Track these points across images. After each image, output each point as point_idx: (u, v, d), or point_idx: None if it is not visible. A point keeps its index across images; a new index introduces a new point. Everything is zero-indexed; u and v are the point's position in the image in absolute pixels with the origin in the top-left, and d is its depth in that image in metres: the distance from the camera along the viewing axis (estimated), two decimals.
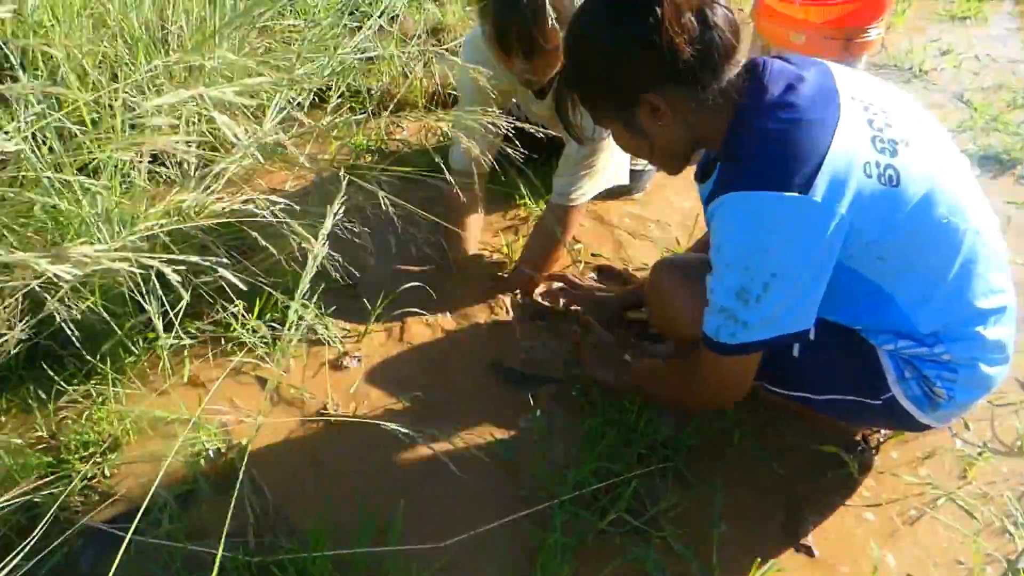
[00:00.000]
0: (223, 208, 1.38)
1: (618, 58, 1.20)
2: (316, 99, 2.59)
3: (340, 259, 1.55)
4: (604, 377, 1.68)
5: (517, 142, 1.76)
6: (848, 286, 1.28)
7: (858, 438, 1.62)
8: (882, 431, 1.62)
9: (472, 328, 1.88)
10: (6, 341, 1.23)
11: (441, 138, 2.55)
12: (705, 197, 1.31)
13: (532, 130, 1.90)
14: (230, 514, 1.39)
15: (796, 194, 1.14)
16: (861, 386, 1.39)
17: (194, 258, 1.30)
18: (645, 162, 2.23)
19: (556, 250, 1.99)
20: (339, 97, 2.55)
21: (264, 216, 1.44)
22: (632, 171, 2.24)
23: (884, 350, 1.35)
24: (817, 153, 1.16)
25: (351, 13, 2.84)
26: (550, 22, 1.53)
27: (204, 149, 1.71)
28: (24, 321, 1.24)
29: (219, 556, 1.08)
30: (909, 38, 3.31)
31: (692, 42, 1.16)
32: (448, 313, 1.91)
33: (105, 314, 1.55)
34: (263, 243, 1.55)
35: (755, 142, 1.19)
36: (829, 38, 2.60)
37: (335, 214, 1.27)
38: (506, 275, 2.01)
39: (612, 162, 1.98)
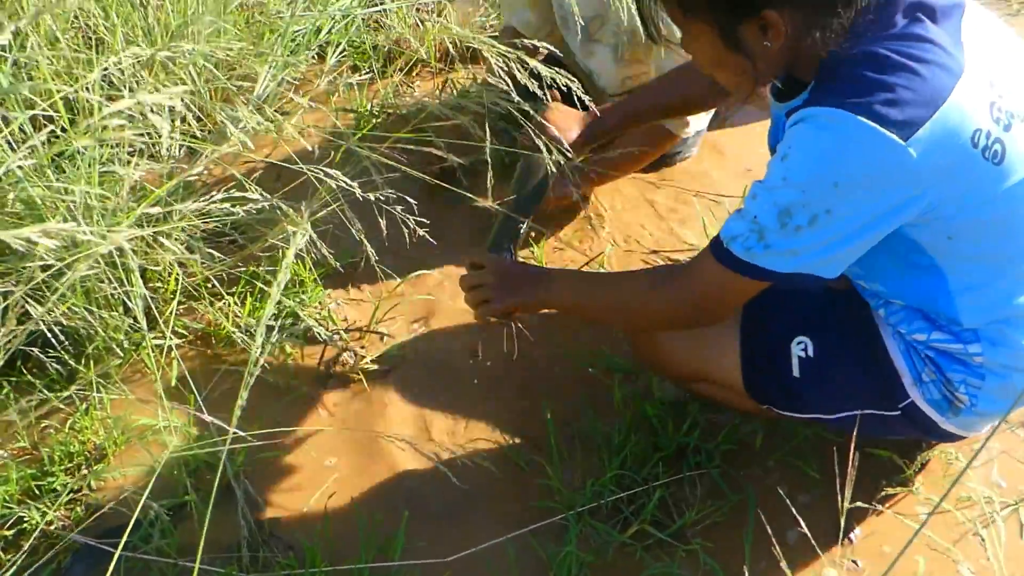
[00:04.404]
0: (206, 202, 1.55)
1: None
2: (315, 56, 2.75)
3: (336, 244, 1.70)
4: (523, 297, 1.61)
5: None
6: (903, 256, 1.35)
7: None
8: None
9: (479, 330, 2.04)
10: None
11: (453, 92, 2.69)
12: (783, 113, 1.36)
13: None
14: (223, 528, 1.59)
15: (895, 138, 1.16)
16: (875, 397, 1.50)
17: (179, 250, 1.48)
18: (692, 128, 2.37)
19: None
20: (340, 54, 2.71)
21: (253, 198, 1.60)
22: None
23: (909, 341, 1.46)
24: (935, 100, 1.17)
25: None
26: None
27: (186, 138, 1.88)
28: (5, 327, 1.43)
29: (212, 572, 1.26)
30: None
31: None
32: (453, 311, 2.08)
33: (88, 316, 1.74)
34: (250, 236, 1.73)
35: (868, 65, 1.20)
36: None
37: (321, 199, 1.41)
38: None
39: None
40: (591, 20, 2.08)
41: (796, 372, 1.53)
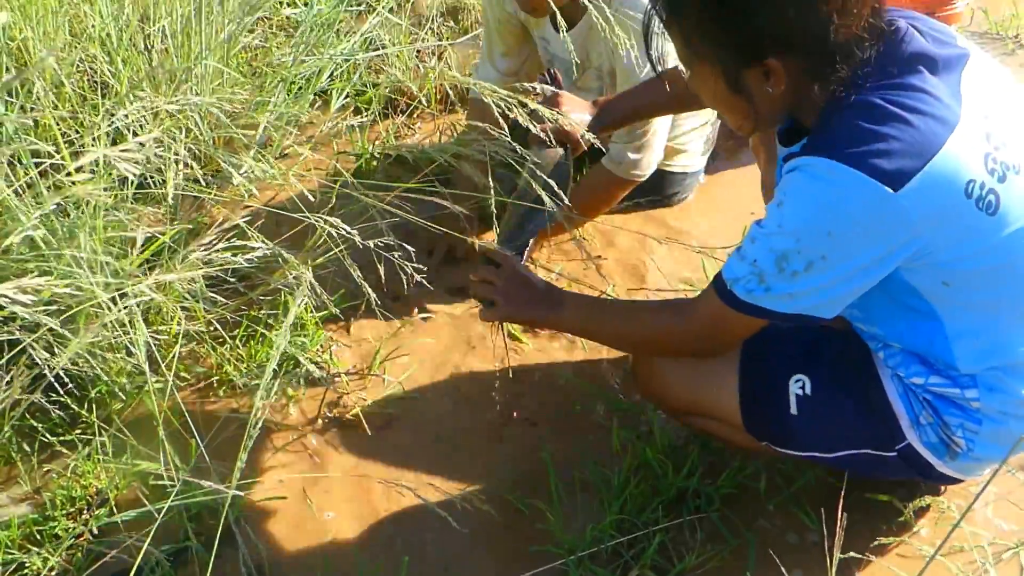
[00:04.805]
0: (209, 252, 1.58)
1: (766, 8, 1.25)
2: (317, 99, 2.79)
3: (337, 287, 1.73)
4: (532, 316, 1.68)
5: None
6: (900, 299, 1.39)
7: None
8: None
9: (479, 374, 2.08)
10: (6, 397, 1.45)
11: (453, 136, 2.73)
12: (783, 156, 1.42)
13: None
14: (225, 574, 1.61)
15: (887, 188, 1.20)
16: (873, 437, 1.52)
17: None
18: (688, 165, 2.41)
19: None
20: (343, 97, 2.76)
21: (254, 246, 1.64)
22: (672, 174, 2.42)
23: (907, 384, 1.48)
24: (927, 151, 1.21)
25: None
26: None
27: (189, 182, 1.92)
28: (17, 377, 1.46)
29: None
30: (1014, 0, 3.40)
31: (857, 30, 1.25)
32: (453, 355, 2.12)
33: (91, 360, 1.77)
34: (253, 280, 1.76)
35: (862, 114, 1.25)
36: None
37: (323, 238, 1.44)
38: None
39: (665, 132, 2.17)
40: (585, 59, 2.14)
41: (794, 410, 1.55)
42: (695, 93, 1.45)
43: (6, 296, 1.32)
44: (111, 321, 1.67)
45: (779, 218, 1.31)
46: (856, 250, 1.27)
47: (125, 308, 1.42)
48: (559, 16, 1.83)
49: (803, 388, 1.55)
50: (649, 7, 1.40)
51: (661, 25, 1.38)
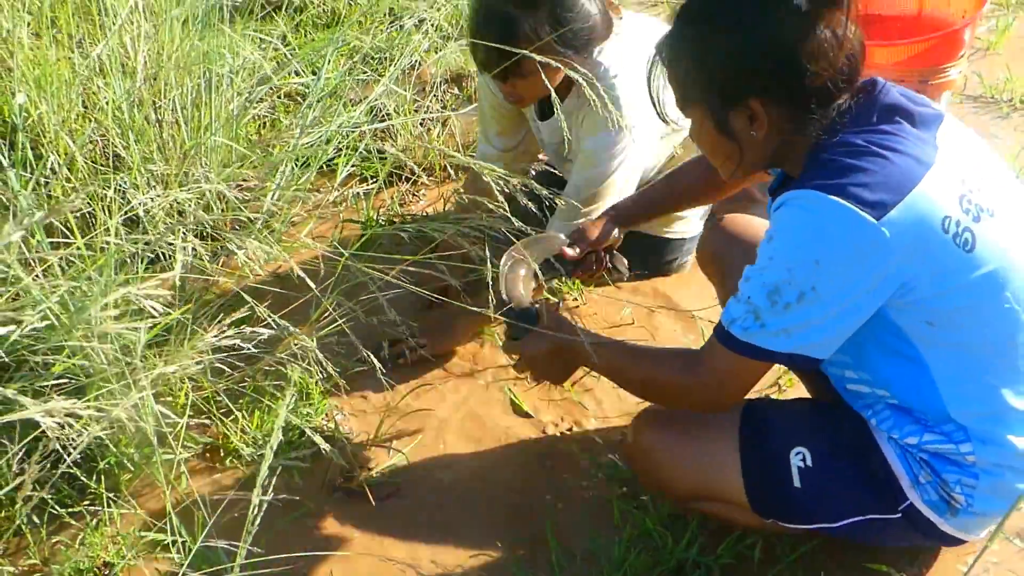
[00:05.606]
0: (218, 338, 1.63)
1: (745, 54, 1.37)
2: (323, 167, 2.86)
3: (340, 356, 1.77)
4: (554, 380, 1.86)
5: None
6: (887, 343, 1.45)
7: None
8: None
9: (481, 443, 2.12)
10: (23, 483, 1.49)
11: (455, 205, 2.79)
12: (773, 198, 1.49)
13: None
14: None
15: (868, 217, 1.29)
16: (875, 501, 1.55)
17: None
18: (686, 231, 2.46)
19: None
20: (348, 165, 2.82)
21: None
22: (670, 240, 2.47)
23: (903, 445, 1.52)
24: (905, 186, 1.31)
25: (364, 61, 3.14)
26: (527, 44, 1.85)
27: (196, 258, 1.98)
28: (36, 460, 1.51)
29: None
30: (1008, 65, 3.46)
31: (830, 76, 1.36)
32: (456, 425, 2.16)
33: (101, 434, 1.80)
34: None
35: (843, 152, 1.35)
36: (900, 80, 2.79)
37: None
38: None
39: None
40: (559, 144, 2.23)
41: (797, 483, 1.58)
42: (695, 141, 1.55)
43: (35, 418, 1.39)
44: (120, 396, 1.72)
45: (769, 251, 1.39)
46: (844, 281, 1.34)
47: (139, 397, 1.47)
48: (552, 102, 1.89)
49: (804, 460, 1.58)
50: (653, 55, 1.52)
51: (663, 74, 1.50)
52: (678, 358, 1.65)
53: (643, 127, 2.08)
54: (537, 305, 1.79)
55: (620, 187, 2.14)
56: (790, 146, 1.44)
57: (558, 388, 2.18)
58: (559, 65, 1.89)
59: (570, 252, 1.88)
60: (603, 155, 2.09)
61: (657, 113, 1.59)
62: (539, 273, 1.83)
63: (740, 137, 1.44)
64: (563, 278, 1.97)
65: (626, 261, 2.00)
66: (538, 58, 1.82)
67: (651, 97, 1.55)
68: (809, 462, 1.57)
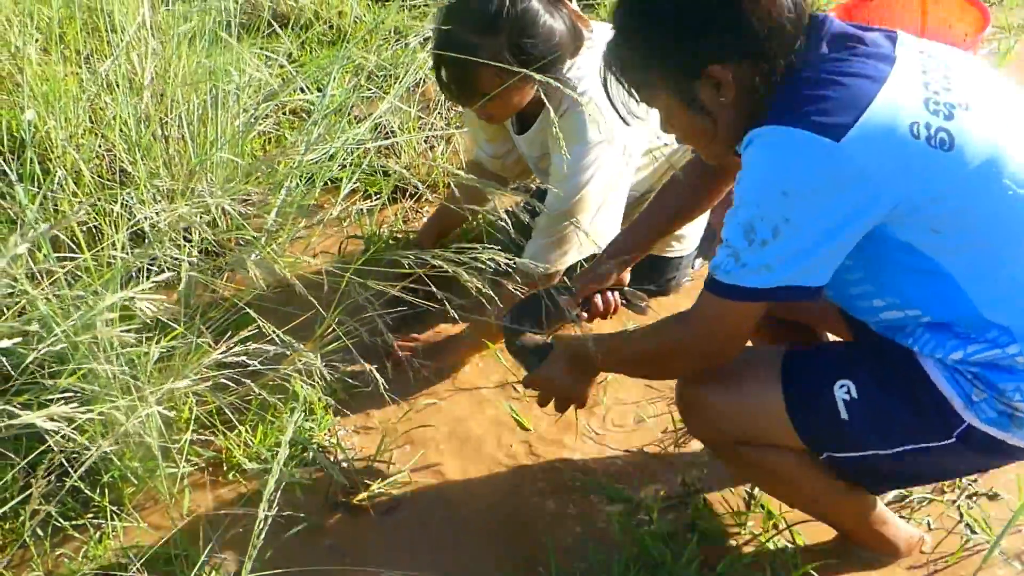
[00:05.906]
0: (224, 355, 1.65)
1: (690, 25, 1.39)
2: (327, 183, 2.88)
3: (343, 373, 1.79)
4: (577, 394, 1.87)
5: None
6: (902, 262, 1.43)
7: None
8: None
9: (483, 459, 2.14)
10: (30, 496, 1.51)
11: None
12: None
13: None
14: None
15: (828, 140, 1.30)
16: (928, 427, 1.51)
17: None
18: (684, 249, 2.47)
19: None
20: (352, 181, 2.84)
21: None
22: (668, 259, 2.48)
23: (950, 365, 1.47)
24: (858, 105, 1.31)
25: (369, 78, 3.17)
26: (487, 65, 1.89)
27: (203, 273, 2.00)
28: (42, 474, 1.53)
29: None
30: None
31: (778, 17, 1.36)
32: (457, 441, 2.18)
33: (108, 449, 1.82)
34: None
35: (801, 86, 1.37)
36: None
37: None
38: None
39: (590, 229, 2.18)
40: (539, 158, 2.29)
41: (844, 415, 1.55)
42: (667, 132, 1.57)
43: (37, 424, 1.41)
44: (126, 412, 1.73)
45: (740, 191, 1.41)
46: (817, 208, 1.34)
47: (146, 414, 1.49)
48: (527, 118, 1.99)
49: (848, 392, 1.55)
50: (602, 66, 1.53)
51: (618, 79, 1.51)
52: (671, 320, 1.65)
53: (619, 136, 2.09)
54: (551, 340, 1.84)
55: (597, 199, 2.14)
56: (759, 104, 1.43)
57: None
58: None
59: (567, 299, 1.89)
60: (575, 167, 2.09)
61: (620, 117, 1.60)
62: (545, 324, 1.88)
63: (711, 109, 1.45)
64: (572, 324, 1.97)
65: (645, 296, 1.99)
66: (498, 87, 1.89)
67: (612, 105, 1.57)
68: (854, 394, 1.53)
